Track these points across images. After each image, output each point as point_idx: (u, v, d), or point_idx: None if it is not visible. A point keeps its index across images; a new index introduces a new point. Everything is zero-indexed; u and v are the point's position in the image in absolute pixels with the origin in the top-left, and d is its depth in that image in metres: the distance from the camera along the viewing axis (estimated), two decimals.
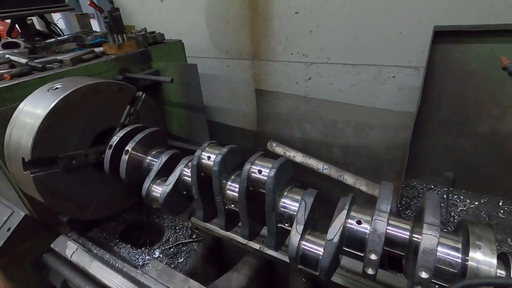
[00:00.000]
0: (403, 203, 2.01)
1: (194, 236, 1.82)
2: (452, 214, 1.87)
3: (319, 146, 2.64)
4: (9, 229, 1.67)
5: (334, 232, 0.82)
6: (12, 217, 1.72)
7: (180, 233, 1.85)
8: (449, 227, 1.81)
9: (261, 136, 2.92)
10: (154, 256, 1.68)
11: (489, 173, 1.84)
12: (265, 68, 2.67)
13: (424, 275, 0.67)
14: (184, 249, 1.76)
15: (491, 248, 0.68)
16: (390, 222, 0.76)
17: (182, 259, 1.69)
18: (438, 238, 0.68)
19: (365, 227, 0.83)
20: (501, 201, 1.83)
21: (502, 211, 1.79)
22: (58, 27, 2.57)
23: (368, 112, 2.31)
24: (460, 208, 1.88)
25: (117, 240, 1.82)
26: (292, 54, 2.49)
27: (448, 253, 0.70)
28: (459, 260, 0.70)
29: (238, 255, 1.72)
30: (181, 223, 1.90)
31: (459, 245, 0.73)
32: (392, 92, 2.20)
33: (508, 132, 1.71)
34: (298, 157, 2.55)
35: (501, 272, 0.69)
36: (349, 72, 2.31)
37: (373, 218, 0.75)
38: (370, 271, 0.75)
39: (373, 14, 2.05)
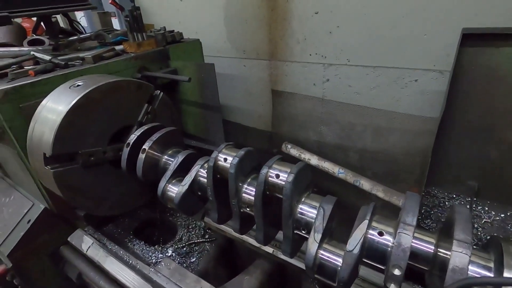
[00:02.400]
0: (423, 212, 1.93)
1: (206, 236, 1.82)
2: (476, 226, 1.78)
3: (334, 150, 2.58)
4: (29, 221, 1.72)
5: (354, 243, 0.79)
6: (32, 209, 1.77)
7: (193, 232, 1.85)
8: (472, 240, 1.72)
9: (276, 137, 2.89)
10: (167, 254, 1.68)
11: None
12: (282, 68, 2.64)
13: None
14: (197, 248, 1.76)
15: None
16: (415, 235, 0.71)
17: (194, 259, 1.69)
18: (470, 257, 0.63)
19: (387, 239, 0.80)
20: None
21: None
22: (81, 25, 2.63)
23: (388, 116, 2.24)
24: (484, 220, 1.79)
25: (131, 236, 1.84)
26: (310, 55, 2.44)
27: (479, 272, 0.66)
28: (494, 280, 0.65)
29: (250, 257, 1.71)
30: (194, 222, 1.91)
31: (491, 264, 0.68)
32: (414, 96, 2.12)
33: None
34: (313, 160, 2.51)
35: None
36: (369, 74, 2.24)
37: (398, 231, 0.71)
38: (392, 287, 0.71)
39: (397, 15, 1.98)
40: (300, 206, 0.95)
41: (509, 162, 1.74)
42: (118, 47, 2.06)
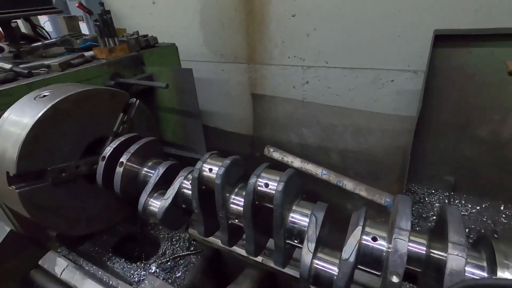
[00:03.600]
0: None
1: (192, 248, 1.74)
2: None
3: (317, 151, 2.60)
4: None
5: (349, 250, 0.77)
6: None
7: (177, 245, 1.77)
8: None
9: (258, 141, 2.86)
10: (150, 271, 1.59)
11: (491, 177, 1.83)
12: (261, 72, 2.62)
13: None
14: (182, 262, 1.68)
15: None
16: (410, 238, 0.71)
17: (179, 273, 1.61)
18: (466, 259, 0.63)
19: (381, 244, 0.78)
20: (502, 205, 1.82)
21: (504, 216, 1.78)
22: (45, 30, 2.46)
23: (367, 116, 2.28)
24: (462, 213, 1.86)
25: (110, 254, 1.73)
26: (289, 57, 2.45)
27: (474, 273, 0.66)
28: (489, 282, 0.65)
29: (238, 267, 1.65)
30: (178, 234, 1.83)
31: (484, 264, 0.68)
32: (391, 96, 2.18)
33: (509, 136, 1.70)
34: (296, 163, 2.51)
35: None
36: (347, 76, 2.28)
37: (393, 237, 0.70)
38: None
39: (371, 17, 2.02)
40: (291, 214, 0.92)
41: (482, 156, 1.83)
42: (87, 53, 1.94)
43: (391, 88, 2.16)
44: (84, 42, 2.08)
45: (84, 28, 2.95)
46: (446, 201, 1.92)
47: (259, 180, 0.93)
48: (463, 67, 1.70)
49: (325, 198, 2.66)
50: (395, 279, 0.68)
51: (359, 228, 0.80)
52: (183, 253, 1.71)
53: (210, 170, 1.03)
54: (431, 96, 1.80)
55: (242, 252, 1.58)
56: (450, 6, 1.77)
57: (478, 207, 1.86)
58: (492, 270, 0.66)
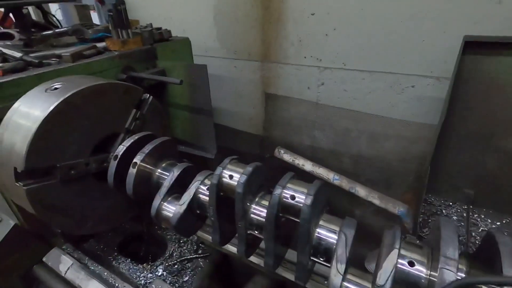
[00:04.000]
0: (420, 220, 1.91)
1: (200, 252, 1.69)
2: (473, 234, 1.78)
3: (328, 155, 2.53)
4: None
5: (385, 276, 0.71)
6: (0, 226, 1.56)
7: (184, 248, 1.71)
8: (470, 248, 1.72)
9: (268, 141, 2.79)
10: (157, 274, 1.54)
11: None
12: (275, 70, 2.54)
13: None
14: (189, 265, 1.63)
15: None
16: (458, 270, 0.64)
17: (187, 277, 1.56)
18: None
19: (419, 270, 0.72)
20: None
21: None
22: (56, 18, 2.39)
23: (384, 121, 2.21)
24: (481, 228, 1.79)
25: (115, 254, 1.68)
26: (305, 57, 2.37)
27: None
28: None
29: (247, 273, 1.60)
30: None
31: None
32: (410, 102, 2.10)
33: None
34: (307, 166, 2.44)
35: None
36: (365, 79, 2.20)
37: (440, 266, 0.64)
38: None
39: (395, 20, 1.94)
40: (318, 230, 0.86)
41: (505, 170, 1.75)
42: (99, 45, 1.88)
43: (411, 94, 2.08)
44: (97, 33, 2.01)
45: (95, 17, 2.88)
46: (465, 214, 1.85)
47: (285, 191, 0.87)
48: (492, 77, 1.62)
49: (334, 203, 2.60)
50: None
51: (395, 251, 0.73)
52: (191, 256, 1.66)
53: (231, 177, 0.97)
54: (456, 104, 1.72)
55: (252, 258, 1.53)
56: (480, 13, 1.69)
57: (498, 223, 1.78)
58: None
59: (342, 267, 0.76)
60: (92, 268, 1.49)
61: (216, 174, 0.98)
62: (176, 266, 1.61)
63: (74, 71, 1.56)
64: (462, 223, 1.81)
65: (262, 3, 2.36)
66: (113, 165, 1.14)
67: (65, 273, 1.46)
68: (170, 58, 2.12)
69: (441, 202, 1.94)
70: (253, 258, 1.52)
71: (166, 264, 1.61)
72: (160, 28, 2.13)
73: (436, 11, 1.80)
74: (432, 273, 0.70)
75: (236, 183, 0.93)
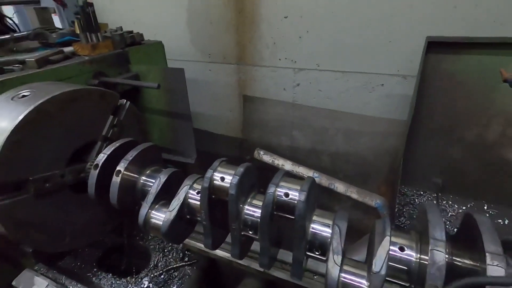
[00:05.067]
0: (396, 210, 2.02)
1: (186, 259, 1.64)
2: (443, 219, 1.92)
3: (307, 154, 2.59)
4: None
5: (380, 263, 0.74)
6: None
7: (170, 256, 1.66)
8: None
9: (247, 144, 2.80)
10: (142, 286, 1.47)
11: (475, 178, 1.92)
12: (251, 73, 2.57)
13: None
14: (176, 274, 1.58)
15: None
16: (447, 251, 0.69)
17: (175, 287, 1.51)
18: (506, 269, 0.62)
19: (410, 254, 0.77)
20: (485, 205, 1.92)
21: (487, 215, 1.87)
22: (14, 22, 2.21)
23: (358, 119, 2.31)
24: (450, 213, 1.94)
25: (95, 270, 1.58)
26: (280, 59, 2.41)
27: None
28: None
29: (236, 277, 1.58)
30: (170, 245, 1.72)
31: None
32: (381, 99, 2.22)
33: (494, 140, 1.80)
34: (287, 166, 2.48)
35: None
36: (338, 79, 2.29)
37: (430, 248, 0.68)
38: None
39: (364, 22, 2.05)
40: (312, 225, 0.88)
41: (468, 159, 1.91)
42: (66, 49, 1.77)
43: (381, 92, 2.20)
44: (62, 37, 1.90)
45: (56, 21, 2.70)
46: (435, 202, 1.99)
47: (279, 189, 0.88)
48: (452, 74, 1.77)
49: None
50: None
51: (387, 238, 0.77)
52: (177, 265, 1.60)
53: (222, 179, 0.96)
54: (423, 100, 1.86)
55: (241, 261, 1.52)
56: (441, 14, 1.84)
57: (463, 207, 1.94)
58: None
59: (338, 259, 0.79)
60: (71, 287, 1.39)
61: (207, 177, 0.96)
62: (162, 276, 1.55)
63: (40, 78, 1.45)
64: None
65: (235, 6, 2.38)
66: (93, 174, 1.08)
67: None
68: (144, 63, 2.06)
69: (413, 192, 2.07)
70: (242, 260, 1.51)
71: (151, 275, 1.55)
72: (131, 32, 2.05)
73: (401, 14, 1.93)
74: (421, 256, 0.74)
75: (228, 185, 0.93)
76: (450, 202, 1.98)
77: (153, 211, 1.03)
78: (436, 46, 1.73)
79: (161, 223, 1.00)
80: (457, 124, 1.86)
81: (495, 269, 0.63)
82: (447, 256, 0.69)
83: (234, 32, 2.48)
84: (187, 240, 1.65)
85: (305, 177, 2.43)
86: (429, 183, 2.04)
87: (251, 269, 1.48)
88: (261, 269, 1.45)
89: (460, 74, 1.76)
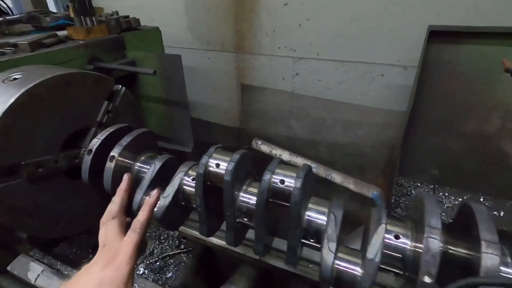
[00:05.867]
0: (393, 201, 2.03)
1: (182, 247, 1.65)
2: (440, 211, 1.92)
3: (305, 144, 2.58)
4: None
5: (374, 250, 0.74)
6: None
7: (166, 244, 1.66)
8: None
9: (245, 133, 2.78)
10: (138, 272, 1.48)
11: (472, 171, 1.92)
12: (249, 61, 2.53)
13: None
14: (172, 261, 1.59)
15: None
16: (442, 239, 0.69)
17: (170, 274, 1.52)
18: (500, 257, 0.62)
19: (404, 242, 0.76)
20: (481, 197, 1.92)
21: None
22: (7, 5, 2.16)
23: (357, 110, 2.29)
24: (446, 204, 1.95)
25: (91, 256, 1.58)
26: (279, 48, 2.38)
27: (509, 272, 0.65)
28: None
29: (232, 265, 1.59)
30: (166, 232, 1.72)
31: (509, 260, 0.68)
32: (380, 90, 2.20)
33: (492, 132, 1.79)
34: (285, 156, 2.47)
35: None
36: (338, 69, 2.26)
37: (425, 236, 0.68)
38: None
39: (365, 10, 2.00)
40: (308, 213, 0.87)
41: (465, 152, 1.91)
42: (60, 33, 1.73)
43: (381, 83, 2.18)
44: (56, 20, 1.85)
45: (51, 5, 2.64)
46: (431, 193, 2.00)
47: (274, 176, 0.87)
48: (453, 64, 1.75)
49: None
50: (427, 279, 0.66)
51: (383, 226, 0.77)
52: (173, 252, 1.61)
53: (218, 165, 0.94)
54: (422, 91, 1.84)
55: (237, 249, 1.52)
56: (443, 3, 1.80)
57: (460, 199, 1.95)
58: None
59: (333, 246, 0.78)
60: (66, 272, 1.39)
61: (202, 163, 0.95)
62: (158, 263, 1.56)
63: (33, 61, 1.42)
64: None
65: None
66: (87, 160, 1.06)
67: (35, 280, 1.35)
68: (140, 48, 2.01)
69: (410, 183, 2.08)
70: (237, 248, 1.52)
71: (147, 262, 1.55)
72: (127, 16, 2.01)
73: (403, 2, 1.89)
74: (416, 244, 0.74)
75: (223, 172, 0.92)
76: (447, 194, 1.99)
77: (147, 198, 1.02)
78: (438, 36, 1.70)
79: (155, 209, 0.99)
80: (456, 116, 1.85)
81: (489, 257, 0.63)
82: (442, 244, 0.68)
83: (233, 20, 2.43)
84: (183, 228, 1.65)
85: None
86: (426, 174, 2.05)
87: (246, 257, 1.49)
88: (257, 257, 1.46)
89: (461, 64, 1.74)
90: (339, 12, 2.07)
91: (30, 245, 1.51)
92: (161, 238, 1.69)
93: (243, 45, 2.48)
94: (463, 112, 1.82)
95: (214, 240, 1.59)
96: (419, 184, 2.06)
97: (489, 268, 0.62)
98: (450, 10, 1.81)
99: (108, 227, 0.87)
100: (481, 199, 1.91)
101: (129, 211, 1.02)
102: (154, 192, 0.97)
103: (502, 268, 0.64)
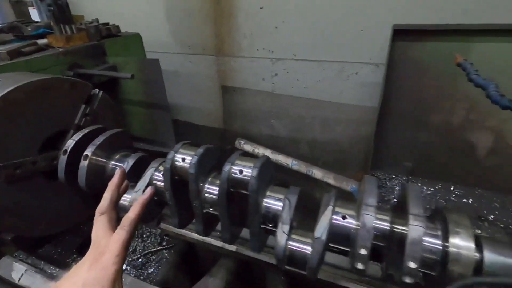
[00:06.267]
0: None
1: (164, 243, 1.70)
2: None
3: (287, 142, 2.65)
4: None
5: (321, 229, 0.81)
6: None
7: (148, 241, 1.72)
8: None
9: (229, 134, 2.85)
10: None
11: (442, 161, 2.01)
12: (230, 64, 2.61)
13: (412, 265, 0.69)
14: (154, 258, 1.64)
15: (469, 233, 0.72)
16: (377, 216, 0.76)
17: (152, 269, 1.58)
18: (424, 229, 0.70)
19: (350, 222, 0.83)
20: (452, 186, 2.01)
21: (454, 195, 1.97)
22: None
23: (334, 107, 2.38)
24: None
25: (75, 255, 1.63)
26: (257, 50, 2.46)
27: (431, 241, 0.73)
28: (441, 248, 0.73)
29: (213, 259, 1.65)
30: (149, 230, 1.77)
31: (439, 233, 0.76)
32: (355, 87, 2.29)
33: (458, 124, 1.89)
34: (267, 154, 2.54)
35: (477, 255, 0.72)
36: (314, 68, 2.35)
37: (361, 213, 0.75)
38: (360, 266, 0.75)
39: (336, 12, 2.10)
40: (266, 200, 0.94)
41: (435, 143, 2.00)
42: (41, 41, 1.79)
43: (355, 80, 2.27)
44: (37, 29, 1.91)
45: (35, 15, 2.69)
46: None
47: (234, 167, 0.94)
48: (418, 60, 1.84)
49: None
50: (363, 251, 0.73)
51: (330, 207, 0.84)
52: (155, 249, 1.67)
53: (183, 159, 1.01)
54: (391, 87, 1.93)
55: (216, 243, 1.59)
56: (408, 3, 1.89)
57: (432, 189, 2.04)
58: (445, 238, 0.74)
59: (286, 228, 0.85)
60: (49, 271, 1.44)
61: (169, 158, 1.01)
62: (140, 260, 1.61)
63: (12, 69, 1.48)
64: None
65: None
66: (62, 159, 1.12)
67: (19, 280, 1.39)
68: (121, 54, 2.08)
69: (385, 176, 2.16)
70: (217, 242, 1.58)
71: (130, 259, 1.61)
72: (107, 23, 2.07)
73: (371, 4, 1.99)
74: (359, 223, 0.81)
75: (188, 165, 0.98)
76: (420, 184, 2.08)
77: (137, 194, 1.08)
78: (402, 34, 1.79)
79: (127, 203, 1.05)
80: (424, 110, 1.94)
81: (415, 228, 0.70)
82: (376, 220, 0.76)
83: (212, 24, 2.51)
84: (165, 225, 1.71)
85: (284, 164, 2.51)
86: (400, 167, 2.13)
87: (224, 250, 1.55)
88: (234, 249, 1.52)
89: (425, 60, 1.83)
90: (312, 14, 2.16)
91: (15, 246, 1.56)
92: (144, 236, 1.74)
93: (223, 48, 2.56)
94: (430, 106, 1.92)
95: (194, 235, 1.65)
96: (394, 176, 2.15)
97: (414, 239, 0.70)
98: (415, 10, 1.91)
99: (97, 223, 0.83)
100: (452, 188, 2.00)
101: None
102: (148, 190, 0.96)
103: (425, 238, 0.72)
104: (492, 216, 1.79)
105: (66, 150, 1.13)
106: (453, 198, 1.95)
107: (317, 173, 2.40)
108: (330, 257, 1.45)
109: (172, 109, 2.97)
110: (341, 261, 1.43)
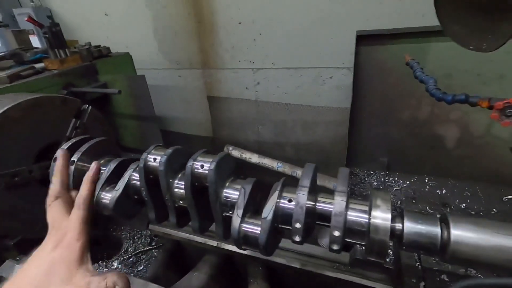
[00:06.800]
0: (349, 189, 2.22)
1: (153, 244, 1.83)
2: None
3: (272, 146, 2.79)
4: None
5: (267, 211, 0.94)
6: None
7: (139, 242, 1.85)
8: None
9: (218, 141, 3.01)
10: (112, 267, 1.66)
11: (415, 155, 2.12)
12: (215, 76, 2.78)
13: (336, 233, 0.81)
14: (144, 257, 1.77)
15: (386, 206, 0.84)
16: (309, 196, 0.89)
17: (141, 267, 1.70)
18: (346, 202, 0.82)
19: (293, 204, 0.96)
20: (426, 178, 2.11)
21: (428, 187, 2.07)
22: None
23: (313, 110, 2.52)
24: (395, 188, 2.13)
25: None
26: (239, 61, 2.63)
27: (356, 214, 0.85)
28: (366, 220, 0.85)
29: (198, 255, 1.78)
30: (140, 232, 1.91)
31: (366, 208, 0.88)
32: (331, 91, 2.44)
33: (424, 118, 2.01)
34: (254, 158, 2.68)
35: (398, 225, 0.84)
36: (292, 75, 2.51)
37: (297, 192, 0.88)
38: (297, 238, 0.87)
39: (308, 22, 2.27)
40: (225, 190, 1.07)
41: (406, 138, 2.12)
42: (38, 65, 1.99)
43: (331, 84, 2.42)
44: (35, 55, 2.12)
45: (35, 41, 2.93)
46: (382, 179, 2.19)
47: (195, 163, 1.08)
48: (382, 62, 1.99)
49: None
50: (298, 225, 0.86)
51: (276, 192, 0.97)
52: (145, 249, 1.80)
53: (155, 159, 1.15)
54: (360, 88, 2.07)
55: (200, 239, 1.71)
56: (370, 10, 2.06)
57: (408, 182, 2.14)
58: (370, 211, 0.86)
59: (240, 212, 0.98)
60: None
61: (142, 158, 1.16)
62: (131, 259, 1.74)
63: (11, 91, 1.66)
64: (381, 186, 2.14)
65: (195, 17, 2.61)
66: (52, 167, 1.28)
67: None
68: (112, 72, 2.27)
69: (364, 172, 2.27)
70: (200, 239, 1.71)
71: (121, 258, 1.74)
72: (98, 46, 2.27)
73: (336, 13, 2.16)
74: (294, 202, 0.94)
75: (158, 164, 1.13)
76: (396, 179, 2.18)
77: (103, 193, 1.22)
78: (365, 39, 1.94)
79: (108, 201, 1.19)
80: (392, 107, 2.07)
81: (338, 202, 0.83)
82: (309, 200, 0.88)
83: (197, 40, 2.70)
84: (153, 227, 1.85)
85: (270, 167, 2.64)
86: (377, 163, 2.25)
87: (208, 245, 1.67)
88: (215, 244, 1.65)
89: (388, 62, 1.97)
90: (285, 25, 2.34)
91: (17, 251, 1.70)
92: (135, 238, 1.88)
93: (208, 61, 2.75)
94: (397, 103, 2.05)
95: (180, 234, 1.79)
96: (371, 172, 2.26)
97: (337, 211, 0.82)
98: (377, 16, 2.07)
99: (52, 208, 0.88)
100: (426, 180, 2.10)
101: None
102: (93, 165, 1.02)
103: (348, 212, 0.84)
104: (464, 205, 1.88)
105: (56, 158, 1.28)
106: (426, 190, 2.04)
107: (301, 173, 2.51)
108: (306, 248, 1.57)
109: (164, 121, 3.15)
110: (314, 250, 1.54)
